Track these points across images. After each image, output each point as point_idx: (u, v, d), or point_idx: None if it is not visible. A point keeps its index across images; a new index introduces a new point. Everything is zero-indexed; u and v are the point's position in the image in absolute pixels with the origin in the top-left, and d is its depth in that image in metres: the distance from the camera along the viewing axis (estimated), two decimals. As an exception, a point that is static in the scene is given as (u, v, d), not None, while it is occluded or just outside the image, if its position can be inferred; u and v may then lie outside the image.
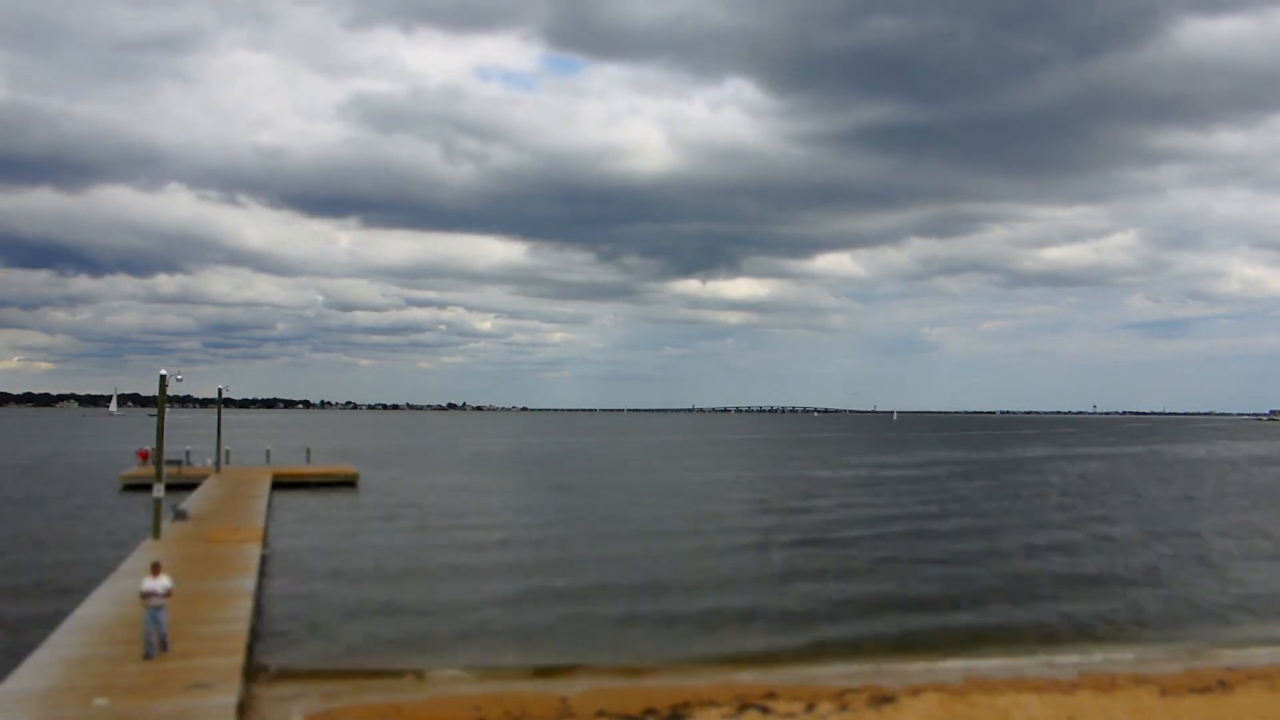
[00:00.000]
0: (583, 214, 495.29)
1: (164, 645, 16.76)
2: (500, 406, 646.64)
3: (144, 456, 61.58)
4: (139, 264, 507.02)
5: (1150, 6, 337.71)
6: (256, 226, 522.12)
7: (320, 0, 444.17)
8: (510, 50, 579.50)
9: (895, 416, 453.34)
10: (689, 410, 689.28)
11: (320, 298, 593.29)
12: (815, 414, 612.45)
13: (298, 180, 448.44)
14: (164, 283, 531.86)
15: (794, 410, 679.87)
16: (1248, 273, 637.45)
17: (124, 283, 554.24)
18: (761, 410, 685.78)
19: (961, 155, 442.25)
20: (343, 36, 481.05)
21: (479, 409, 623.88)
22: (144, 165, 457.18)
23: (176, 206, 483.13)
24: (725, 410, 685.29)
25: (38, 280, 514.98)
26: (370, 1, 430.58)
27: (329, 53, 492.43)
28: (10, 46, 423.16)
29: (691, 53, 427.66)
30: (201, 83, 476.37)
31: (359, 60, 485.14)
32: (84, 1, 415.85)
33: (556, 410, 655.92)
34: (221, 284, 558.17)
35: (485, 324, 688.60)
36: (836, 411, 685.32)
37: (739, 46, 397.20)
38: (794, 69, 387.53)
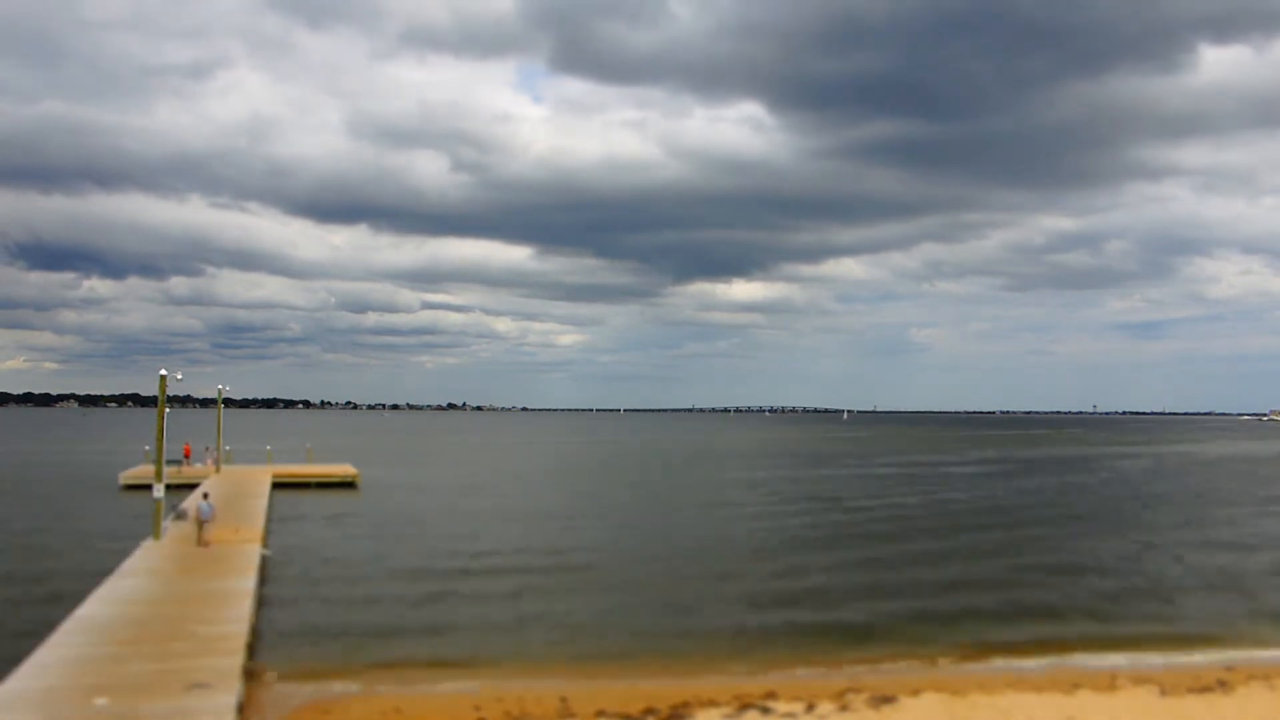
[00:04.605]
0: (591, 220, 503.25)
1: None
2: (500, 406, 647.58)
3: (187, 453, 61.13)
4: (156, 267, 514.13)
5: (1161, 31, 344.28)
6: (270, 232, 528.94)
7: (338, 30, 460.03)
8: (515, 72, 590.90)
9: (846, 416, 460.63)
10: (689, 410, 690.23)
11: (332, 299, 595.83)
12: (766, 413, 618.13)
13: (310, 189, 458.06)
14: (178, 285, 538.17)
15: (760, 410, 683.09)
16: (1245, 277, 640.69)
17: (142, 286, 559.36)
18: (763, 410, 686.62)
19: (971, 168, 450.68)
20: (358, 61, 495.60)
21: (479, 409, 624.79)
22: (165, 174, 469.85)
23: (193, 213, 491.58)
24: (725, 410, 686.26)
25: (58, 282, 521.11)
26: (385, 32, 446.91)
27: (344, 75, 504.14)
28: (38, 63, 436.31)
29: (698, 75, 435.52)
30: (219, 99, 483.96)
31: (372, 81, 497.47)
32: (109, 28, 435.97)
33: (556, 410, 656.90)
34: (234, 286, 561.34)
35: (495, 324, 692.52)
36: (792, 410, 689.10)
37: (744, 71, 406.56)
38: (799, 91, 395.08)
